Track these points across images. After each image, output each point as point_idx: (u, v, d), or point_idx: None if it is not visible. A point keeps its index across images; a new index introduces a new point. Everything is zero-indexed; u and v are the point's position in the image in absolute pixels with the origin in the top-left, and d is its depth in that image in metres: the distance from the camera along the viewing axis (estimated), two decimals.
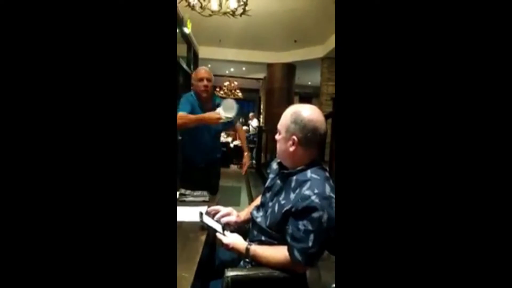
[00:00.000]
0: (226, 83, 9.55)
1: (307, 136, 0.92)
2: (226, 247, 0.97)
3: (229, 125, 2.00)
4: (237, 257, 1.05)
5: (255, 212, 1.06)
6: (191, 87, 1.96)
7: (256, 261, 0.93)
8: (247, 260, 0.97)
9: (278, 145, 0.99)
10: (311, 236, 0.84)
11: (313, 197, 0.85)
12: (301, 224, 0.85)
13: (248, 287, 0.87)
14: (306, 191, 0.87)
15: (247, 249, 0.93)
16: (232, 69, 8.40)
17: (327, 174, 0.95)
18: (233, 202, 2.17)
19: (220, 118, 1.63)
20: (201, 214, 1.05)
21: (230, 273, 0.87)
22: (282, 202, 0.93)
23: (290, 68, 6.55)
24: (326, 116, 2.71)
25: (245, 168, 2.11)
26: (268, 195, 1.06)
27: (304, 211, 0.85)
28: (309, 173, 0.92)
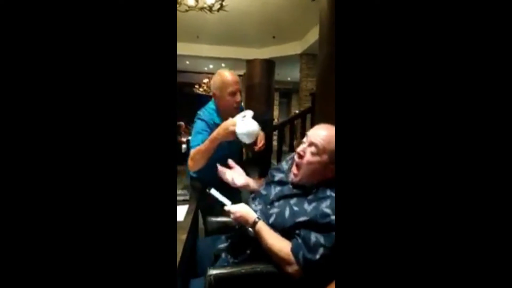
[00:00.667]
0: (205, 80, 9.42)
1: (334, 160, 0.86)
2: (234, 214, 0.93)
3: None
4: (217, 255, 1.03)
5: (253, 205, 1.01)
6: (213, 98, 1.43)
7: (258, 237, 0.89)
8: (250, 229, 0.91)
9: (311, 167, 0.89)
10: (321, 250, 0.81)
11: (333, 217, 0.81)
12: (314, 236, 0.82)
13: (231, 284, 0.86)
14: (325, 208, 0.83)
15: (255, 222, 0.89)
16: (211, 66, 8.29)
17: None
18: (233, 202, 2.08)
19: (234, 132, 1.20)
20: (209, 187, 1.06)
21: (213, 271, 0.86)
22: (295, 209, 0.89)
23: (269, 64, 6.55)
24: (305, 112, 2.75)
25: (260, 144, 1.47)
26: (273, 190, 1.01)
27: (322, 227, 0.82)
28: (329, 191, 0.87)
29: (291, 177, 0.97)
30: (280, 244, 0.86)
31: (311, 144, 0.91)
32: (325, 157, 0.88)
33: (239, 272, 0.87)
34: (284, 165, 1.10)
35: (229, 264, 0.96)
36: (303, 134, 2.73)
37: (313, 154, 0.89)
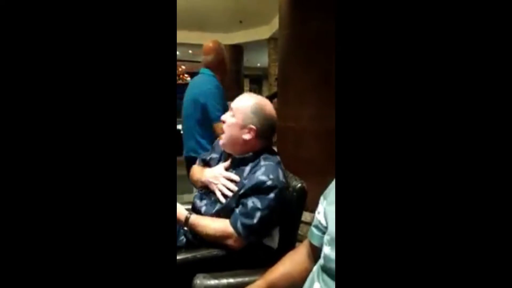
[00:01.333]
0: None
1: (265, 129, 0.96)
2: None
3: None
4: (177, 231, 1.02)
5: (198, 202, 1.03)
6: (217, 68, 1.62)
7: (194, 231, 0.91)
8: (185, 228, 0.95)
9: (229, 129, 0.97)
10: (258, 214, 0.85)
11: (269, 182, 0.86)
12: (250, 201, 0.86)
13: (188, 270, 0.85)
14: (260, 176, 0.88)
15: (187, 218, 0.92)
16: (178, 53, 8.03)
17: (278, 158, 0.97)
18: (188, 189, 2.11)
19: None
20: None
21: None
22: (236, 187, 0.93)
23: (237, 50, 6.47)
24: (271, 97, 2.75)
25: None
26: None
27: (256, 190, 0.87)
28: (262, 161, 0.93)
29: (221, 144, 1.03)
30: (214, 224, 0.89)
31: (230, 109, 1.00)
32: (238, 118, 0.95)
33: (195, 257, 0.86)
34: (217, 147, 1.13)
35: (185, 245, 0.94)
36: None
37: (231, 117, 0.98)
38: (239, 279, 0.79)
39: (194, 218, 0.92)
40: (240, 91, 5.68)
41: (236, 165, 0.99)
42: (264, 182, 0.87)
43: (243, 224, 0.85)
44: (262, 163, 0.92)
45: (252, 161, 0.96)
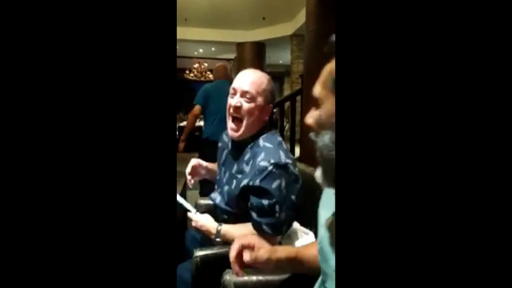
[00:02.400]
0: (196, 65, 9.25)
1: (269, 104, 0.92)
2: (196, 223, 0.95)
3: None
4: (208, 238, 1.04)
5: (213, 195, 1.04)
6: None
7: (227, 241, 0.91)
8: (217, 239, 0.96)
9: (249, 114, 0.89)
10: (277, 208, 0.83)
11: (270, 167, 0.83)
12: (265, 199, 0.84)
13: (218, 265, 0.87)
14: (261, 162, 0.84)
15: (218, 231, 0.91)
16: (201, 50, 8.14)
17: (279, 138, 0.93)
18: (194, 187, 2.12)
19: None
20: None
21: (199, 252, 0.86)
22: (239, 176, 0.91)
23: (260, 47, 6.45)
24: (295, 94, 2.72)
25: None
26: (222, 172, 1.03)
27: (264, 185, 0.83)
28: (261, 142, 0.90)
29: (231, 134, 0.94)
30: (246, 233, 0.86)
31: (243, 93, 0.89)
32: (260, 99, 0.89)
33: (226, 252, 0.87)
34: (224, 137, 1.09)
35: (217, 245, 0.96)
36: (293, 117, 2.71)
37: (249, 101, 0.89)
38: (269, 277, 0.80)
39: (225, 229, 0.91)
40: None
41: (235, 150, 0.96)
42: (265, 168, 0.82)
43: (267, 225, 0.84)
44: (262, 144, 0.89)
45: (251, 141, 0.92)
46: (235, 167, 0.94)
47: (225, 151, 1.06)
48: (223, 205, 0.97)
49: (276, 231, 0.86)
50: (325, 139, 0.44)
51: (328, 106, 0.45)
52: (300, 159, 1.99)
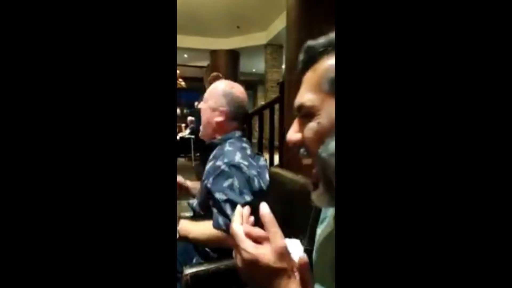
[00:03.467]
0: None
1: (235, 111, 0.97)
2: None
3: None
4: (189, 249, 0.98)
5: (191, 200, 1.05)
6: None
7: (190, 241, 0.91)
8: (207, 249, 0.92)
9: (203, 114, 1.00)
10: (227, 205, 0.83)
11: (223, 166, 0.86)
12: (218, 195, 0.84)
13: (210, 282, 0.80)
14: (217, 162, 0.88)
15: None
16: None
17: (244, 144, 0.96)
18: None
19: None
20: None
21: (189, 270, 0.79)
22: (204, 178, 0.94)
23: (233, 55, 6.46)
24: (273, 102, 2.73)
25: None
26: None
27: (216, 182, 0.86)
28: (226, 146, 0.93)
29: (200, 135, 1.06)
30: (203, 232, 0.87)
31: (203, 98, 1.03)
32: (210, 102, 0.99)
33: (218, 268, 0.81)
34: None
35: (207, 259, 0.90)
36: (272, 125, 2.71)
37: (204, 103, 1.01)
38: None
39: (183, 229, 0.91)
40: None
41: (206, 151, 1.01)
42: (218, 167, 0.86)
43: (223, 220, 0.83)
44: (226, 148, 0.92)
45: (218, 144, 0.96)
46: (205, 169, 0.96)
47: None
48: (197, 208, 0.98)
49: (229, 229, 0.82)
50: (331, 147, 0.41)
51: (329, 109, 0.42)
52: (281, 166, 1.96)
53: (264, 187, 0.92)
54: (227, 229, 0.81)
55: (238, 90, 1.00)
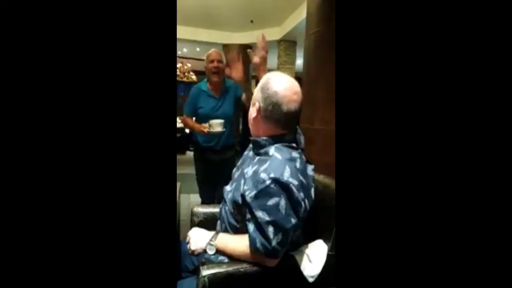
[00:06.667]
0: (178, 65, 9.00)
1: (268, 108, 0.83)
2: (192, 254, 0.89)
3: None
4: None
5: (227, 187, 0.95)
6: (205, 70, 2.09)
7: (221, 252, 0.84)
8: (210, 247, 0.86)
9: (250, 115, 0.92)
10: (270, 228, 0.74)
11: (268, 182, 0.75)
12: (261, 213, 0.75)
13: (227, 284, 0.76)
14: (262, 173, 0.77)
15: (210, 243, 0.85)
16: (185, 50, 7.95)
17: (293, 153, 0.84)
18: (194, 189, 2.06)
19: (208, 132, 1.85)
20: None
21: (207, 271, 0.75)
22: (242, 179, 0.85)
23: (246, 50, 6.38)
24: None
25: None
26: (237, 168, 0.99)
27: (258, 198, 0.76)
28: (272, 150, 0.83)
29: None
30: (239, 248, 0.81)
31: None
32: (257, 104, 0.86)
33: (238, 271, 0.77)
34: None
35: (218, 261, 0.85)
36: None
37: (252, 105, 0.90)
38: None
39: (220, 246, 0.84)
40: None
41: (252, 149, 0.94)
42: (262, 181, 0.75)
43: (261, 243, 0.75)
44: (271, 153, 0.82)
45: (264, 146, 0.86)
46: (249, 167, 0.87)
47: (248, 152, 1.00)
48: (228, 204, 0.89)
49: (269, 253, 0.76)
50: None
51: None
52: None
53: (309, 207, 0.82)
54: (266, 253, 0.75)
55: (279, 83, 0.83)
